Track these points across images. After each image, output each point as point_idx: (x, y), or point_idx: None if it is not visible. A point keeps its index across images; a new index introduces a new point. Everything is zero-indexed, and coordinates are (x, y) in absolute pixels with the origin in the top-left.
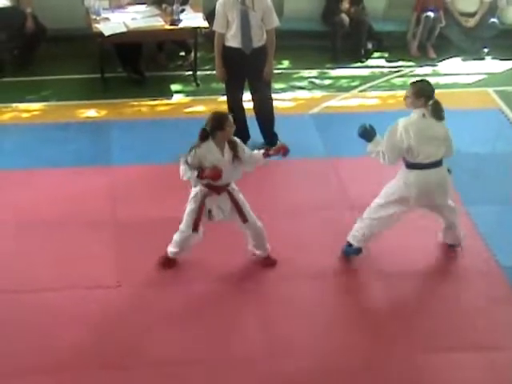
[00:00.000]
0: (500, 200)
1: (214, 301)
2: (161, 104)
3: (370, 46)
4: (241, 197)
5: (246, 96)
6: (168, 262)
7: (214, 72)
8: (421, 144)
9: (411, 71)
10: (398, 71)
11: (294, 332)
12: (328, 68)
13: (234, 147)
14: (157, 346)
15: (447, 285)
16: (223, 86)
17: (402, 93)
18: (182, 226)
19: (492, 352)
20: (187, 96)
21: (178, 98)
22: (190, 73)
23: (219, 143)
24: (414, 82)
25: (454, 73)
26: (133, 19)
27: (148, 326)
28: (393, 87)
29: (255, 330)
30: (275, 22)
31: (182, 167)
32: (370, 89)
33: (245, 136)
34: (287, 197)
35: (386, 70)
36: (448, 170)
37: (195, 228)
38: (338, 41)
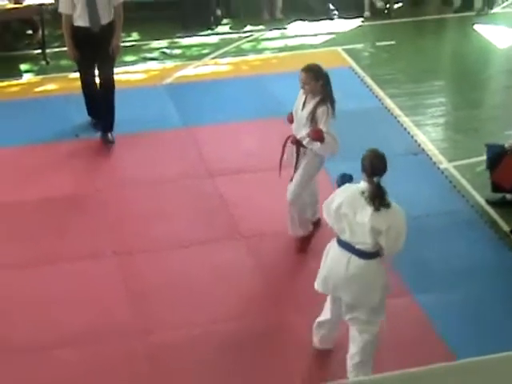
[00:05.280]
0: (353, 156)
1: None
2: (10, 85)
3: (219, 12)
4: (304, 162)
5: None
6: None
7: (64, 49)
8: (337, 213)
9: (261, 35)
10: (247, 36)
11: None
12: (178, 37)
13: (315, 107)
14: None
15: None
16: (73, 62)
17: (253, 57)
18: None
19: None
20: (37, 75)
21: (27, 78)
22: (39, 51)
23: (307, 94)
24: (368, 150)
25: (302, 34)
26: None
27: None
28: (244, 52)
29: (124, 304)
30: None
31: None
32: (222, 56)
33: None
34: (147, 170)
35: (235, 36)
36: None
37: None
38: (187, 9)
